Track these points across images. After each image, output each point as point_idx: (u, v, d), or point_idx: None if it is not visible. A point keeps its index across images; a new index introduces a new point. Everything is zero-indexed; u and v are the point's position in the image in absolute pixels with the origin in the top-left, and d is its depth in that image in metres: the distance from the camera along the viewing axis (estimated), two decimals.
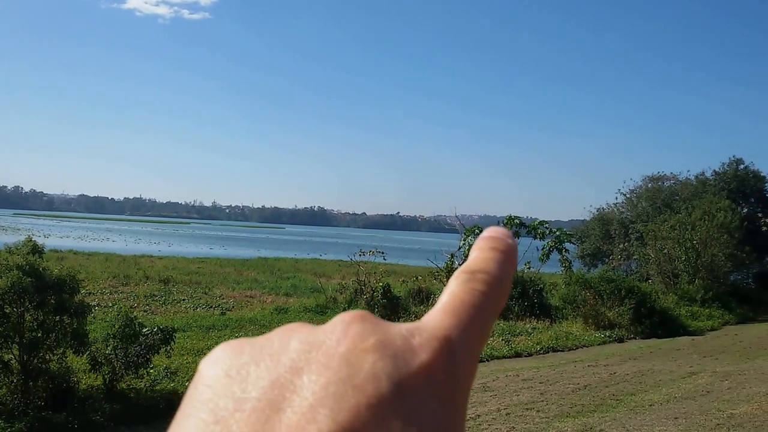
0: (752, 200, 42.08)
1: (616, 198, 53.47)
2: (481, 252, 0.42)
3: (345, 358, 0.34)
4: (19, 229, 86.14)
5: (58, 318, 11.84)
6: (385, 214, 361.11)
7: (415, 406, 0.33)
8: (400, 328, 0.37)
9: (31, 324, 11.68)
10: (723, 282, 32.44)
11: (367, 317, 0.37)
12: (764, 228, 34.38)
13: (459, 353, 0.36)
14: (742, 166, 42.61)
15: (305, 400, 0.32)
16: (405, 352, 0.35)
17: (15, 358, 11.58)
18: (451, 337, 0.36)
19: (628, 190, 50.66)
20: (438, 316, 0.38)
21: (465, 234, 29.59)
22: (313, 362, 0.34)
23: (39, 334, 11.66)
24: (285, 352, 0.35)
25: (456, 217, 37.19)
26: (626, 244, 43.75)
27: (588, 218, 53.82)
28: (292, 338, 0.36)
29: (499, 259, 0.41)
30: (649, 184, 49.28)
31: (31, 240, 13.07)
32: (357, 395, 0.32)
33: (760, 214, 40.20)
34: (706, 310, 28.66)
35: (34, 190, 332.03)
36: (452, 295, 0.39)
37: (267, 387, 0.33)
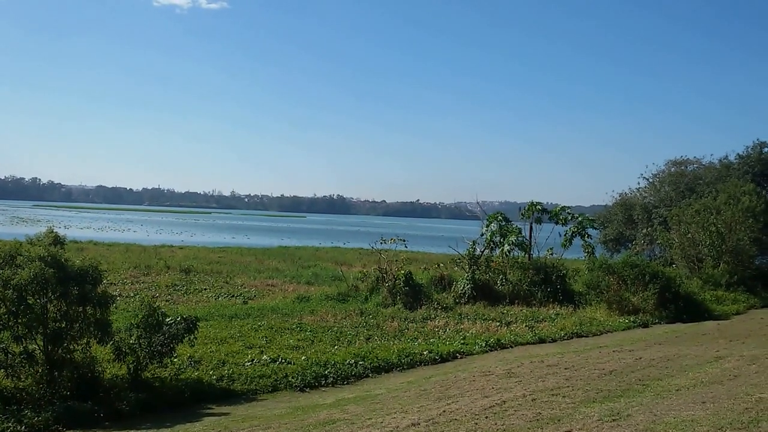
0: None
1: (639, 183, 52.94)
2: None
3: None
4: (38, 221, 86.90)
5: (81, 308, 11.87)
6: (405, 201, 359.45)
7: None
8: None
9: (54, 314, 11.73)
10: (748, 266, 32.06)
11: None
12: None
13: None
14: (766, 149, 41.95)
15: None
16: None
17: (39, 349, 11.66)
18: None
19: (650, 175, 50.12)
20: None
21: (487, 221, 29.40)
22: None
23: (63, 325, 11.72)
24: None
25: (477, 203, 37.12)
26: (649, 229, 43.27)
27: (610, 204, 53.36)
28: None
29: None
30: (672, 169, 48.69)
31: (52, 231, 12.97)
32: None
33: None
34: (731, 295, 28.37)
35: (52, 182, 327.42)
36: None
37: None
